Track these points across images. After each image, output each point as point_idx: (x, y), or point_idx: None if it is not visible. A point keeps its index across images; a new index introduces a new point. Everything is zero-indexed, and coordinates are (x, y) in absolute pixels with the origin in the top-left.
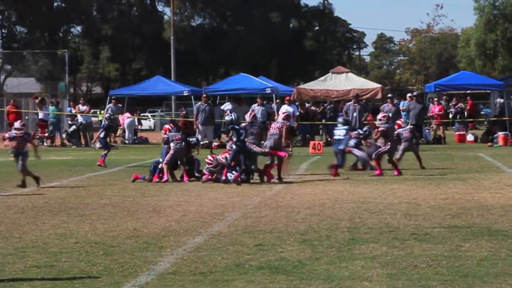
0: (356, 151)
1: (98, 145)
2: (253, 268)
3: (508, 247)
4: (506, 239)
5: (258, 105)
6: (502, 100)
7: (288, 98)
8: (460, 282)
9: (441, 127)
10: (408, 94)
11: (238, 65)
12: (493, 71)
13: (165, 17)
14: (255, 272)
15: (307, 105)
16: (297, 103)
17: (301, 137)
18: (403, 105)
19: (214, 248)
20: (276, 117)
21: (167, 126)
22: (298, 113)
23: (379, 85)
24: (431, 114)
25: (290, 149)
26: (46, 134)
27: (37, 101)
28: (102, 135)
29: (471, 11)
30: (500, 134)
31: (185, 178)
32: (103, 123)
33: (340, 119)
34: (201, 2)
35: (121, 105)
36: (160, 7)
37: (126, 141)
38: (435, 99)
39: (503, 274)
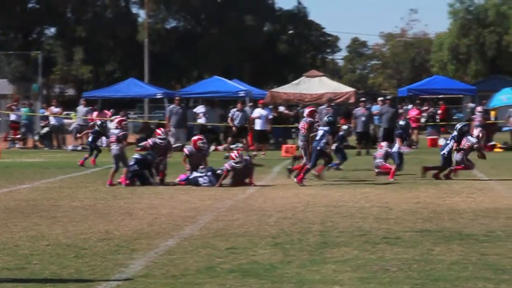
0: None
1: (70, 147)
2: (225, 271)
3: (478, 251)
4: (477, 243)
5: (237, 110)
6: (473, 105)
7: (261, 101)
8: (430, 286)
9: (415, 131)
10: (380, 98)
11: (212, 68)
12: (466, 76)
13: (140, 19)
14: (227, 275)
15: (281, 108)
16: (270, 107)
17: (274, 140)
18: (375, 109)
19: (185, 251)
20: (250, 121)
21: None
22: (271, 117)
23: (352, 89)
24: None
25: (262, 153)
26: (18, 136)
27: (9, 103)
28: (90, 139)
29: (445, 16)
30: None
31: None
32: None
33: (325, 118)
34: (176, 4)
35: (92, 107)
36: (134, 9)
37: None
38: (417, 101)
39: (474, 278)
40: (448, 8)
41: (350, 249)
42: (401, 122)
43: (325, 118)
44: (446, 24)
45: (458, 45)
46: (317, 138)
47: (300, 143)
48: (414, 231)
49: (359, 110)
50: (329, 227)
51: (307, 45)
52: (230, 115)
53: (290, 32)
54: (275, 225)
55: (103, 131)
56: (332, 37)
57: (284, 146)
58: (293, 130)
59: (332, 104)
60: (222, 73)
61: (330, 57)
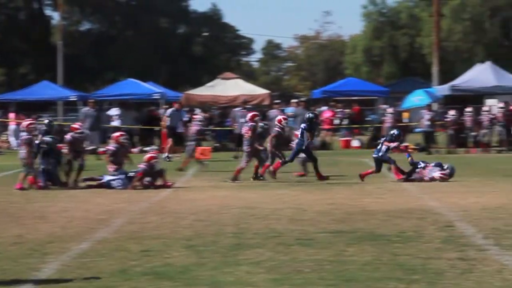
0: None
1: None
2: (138, 274)
3: (390, 251)
4: (389, 244)
5: (176, 110)
6: (386, 106)
7: (176, 103)
8: (343, 287)
9: (329, 133)
10: (293, 100)
11: (126, 70)
12: (379, 78)
13: (53, 21)
14: (140, 278)
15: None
16: (186, 109)
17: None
18: (290, 111)
19: (99, 254)
20: (163, 123)
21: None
22: (186, 119)
23: (267, 91)
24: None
25: (177, 155)
26: None
27: None
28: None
29: (359, 18)
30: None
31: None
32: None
33: (306, 115)
34: (90, 7)
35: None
36: (48, 12)
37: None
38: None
39: (385, 279)
40: (361, 10)
41: (264, 250)
42: (308, 115)
43: (306, 115)
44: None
45: (372, 47)
46: (299, 137)
47: (244, 147)
48: (328, 232)
49: (274, 112)
50: (243, 229)
51: (222, 47)
52: (166, 114)
53: (205, 34)
54: (189, 227)
55: (51, 129)
56: (247, 39)
57: (198, 148)
58: (207, 132)
59: (247, 106)
60: (137, 75)
61: (245, 59)
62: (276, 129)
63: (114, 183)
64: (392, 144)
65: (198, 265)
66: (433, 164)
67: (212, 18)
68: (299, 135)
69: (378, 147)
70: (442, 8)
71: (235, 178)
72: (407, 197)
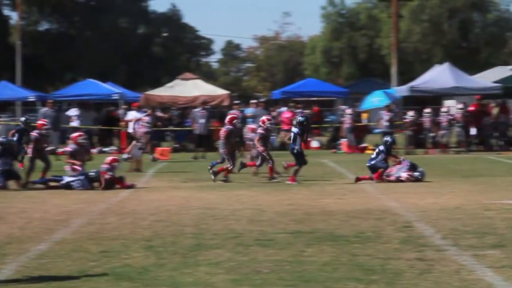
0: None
1: None
2: (97, 275)
3: (349, 252)
4: (348, 244)
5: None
6: (346, 107)
7: (136, 104)
8: (302, 287)
9: (288, 134)
10: (252, 101)
11: (85, 70)
12: (338, 79)
13: (12, 21)
14: (99, 279)
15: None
16: (145, 109)
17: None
18: (249, 112)
19: (57, 255)
20: (123, 124)
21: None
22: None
23: (226, 92)
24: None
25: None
26: None
27: None
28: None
29: (318, 19)
30: (343, 141)
31: None
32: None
33: (298, 118)
34: (49, 7)
35: None
36: (6, 11)
37: None
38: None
39: (344, 279)
40: (320, 11)
41: (223, 251)
42: (299, 118)
43: (298, 118)
44: (319, 27)
45: (331, 48)
46: (291, 140)
47: (220, 150)
48: (287, 232)
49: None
50: (202, 230)
51: (181, 47)
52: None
53: (164, 34)
54: (148, 228)
55: (28, 127)
56: (206, 39)
57: (158, 149)
58: (167, 133)
59: (206, 106)
60: (96, 75)
61: (204, 59)
62: (260, 130)
63: (73, 184)
64: (404, 171)
65: (157, 265)
66: (407, 163)
67: (172, 19)
68: (292, 140)
69: (373, 155)
70: (400, 9)
71: (226, 179)
72: (366, 197)
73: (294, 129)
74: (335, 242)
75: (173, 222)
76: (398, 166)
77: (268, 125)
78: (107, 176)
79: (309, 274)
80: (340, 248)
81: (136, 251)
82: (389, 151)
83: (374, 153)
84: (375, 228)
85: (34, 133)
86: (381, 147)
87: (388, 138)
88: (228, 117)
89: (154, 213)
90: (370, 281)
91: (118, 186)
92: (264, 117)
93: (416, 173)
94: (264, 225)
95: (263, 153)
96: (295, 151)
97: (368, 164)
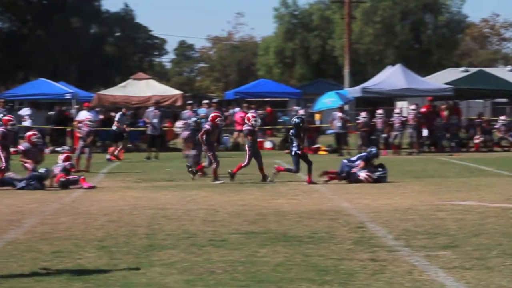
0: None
1: None
2: (50, 275)
3: (302, 252)
4: (301, 245)
5: (122, 114)
6: (299, 108)
7: (87, 104)
8: None
9: (241, 134)
10: (205, 101)
11: (38, 69)
12: (291, 79)
13: None
14: (52, 279)
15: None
16: (97, 109)
17: (101, 143)
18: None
19: (9, 255)
20: (75, 123)
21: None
22: (98, 119)
23: (179, 92)
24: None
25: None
26: None
27: None
28: None
29: (271, 20)
30: None
31: None
32: None
33: (293, 119)
34: (1, 5)
35: None
36: None
37: None
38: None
39: (298, 279)
40: (273, 12)
41: (177, 251)
42: (294, 120)
43: (293, 119)
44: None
45: (284, 49)
46: (290, 143)
47: (203, 147)
48: (240, 233)
49: (186, 113)
50: (155, 230)
51: (134, 47)
52: (116, 119)
53: (117, 34)
54: (101, 228)
55: None
56: (159, 39)
57: (110, 149)
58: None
59: (159, 106)
60: (49, 75)
61: (157, 59)
62: (247, 127)
63: (18, 184)
64: (363, 171)
65: (110, 266)
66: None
67: (125, 19)
68: (290, 141)
69: (353, 158)
70: (353, 11)
71: (215, 179)
72: (319, 198)
73: (291, 131)
74: (288, 242)
75: (126, 222)
76: (360, 165)
77: (253, 122)
78: (62, 179)
79: (263, 275)
80: (294, 249)
81: (89, 252)
82: (369, 159)
83: (355, 157)
84: (328, 229)
85: (1, 128)
86: (364, 154)
87: (373, 149)
88: (211, 115)
89: (107, 213)
90: (323, 282)
91: (78, 185)
92: (249, 114)
93: (377, 173)
94: (218, 225)
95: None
96: (292, 153)
97: (347, 164)
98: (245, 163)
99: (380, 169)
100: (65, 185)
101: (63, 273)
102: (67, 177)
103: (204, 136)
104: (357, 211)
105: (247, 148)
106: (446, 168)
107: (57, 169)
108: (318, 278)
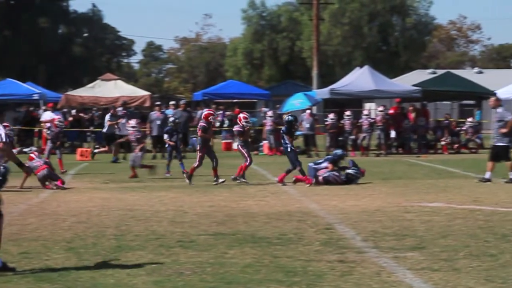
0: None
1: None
2: (17, 277)
3: (271, 253)
4: (270, 246)
5: (112, 115)
6: (267, 109)
7: (51, 104)
8: None
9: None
10: (171, 102)
11: (5, 70)
12: (260, 81)
13: None
14: (19, 280)
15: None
16: (65, 110)
17: (69, 143)
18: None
19: None
20: (43, 125)
21: None
22: (66, 120)
23: (147, 93)
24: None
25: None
26: None
27: None
28: None
29: (239, 21)
30: (265, 143)
31: None
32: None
33: (286, 117)
34: None
35: None
36: None
37: None
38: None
39: (266, 281)
40: (241, 13)
41: (145, 253)
42: (288, 118)
43: (287, 117)
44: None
45: (252, 50)
46: (282, 141)
47: (197, 146)
48: (209, 234)
49: (154, 114)
50: (123, 231)
51: (102, 48)
52: (106, 119)
53: (85, 35)
54: (69, 230)
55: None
56: (128, 40)
57: (79, 150)
58: (88, 133)
59: (127, 107)
60: (16, 75)
61: (125, 60)
62: (238, 128)
63: None
64: (330, 170)
65: (78, 267)
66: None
67: (93, 19)
68: (282, 139)
69: (320, 161)
70: (321, 12)
71: (217, 179)
72: (287, 199)
73: (282, 128)
74: (257, 244)
75: (94, 223)
76: (327, 169)
77: (244, 123)
78: (45, 172)
79: (231, 276)
80: (262, 250)
81: (57, 253)
82: (335, 162)
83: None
84: (296, 230)
85: None
86: (329, 156)
87: (339, 151)
88: (204, 113)
89: (75, 215)
90: (291, 283)
91: (53, 183)
92: (241, 115)
93: (342, 176)
94: (186, 226)
95: (242, 153)
96: (288, 149)
97: (314, 166)
98: (248, 162)
99: (353, 168)
100: (45, 178)
101: (31, 274)
102: (52, 171)
103: (202, 134)
104: (325, 213)
105: (240, 148)
106: (414, 169)
107: (38, 162)
108: (286, 279)
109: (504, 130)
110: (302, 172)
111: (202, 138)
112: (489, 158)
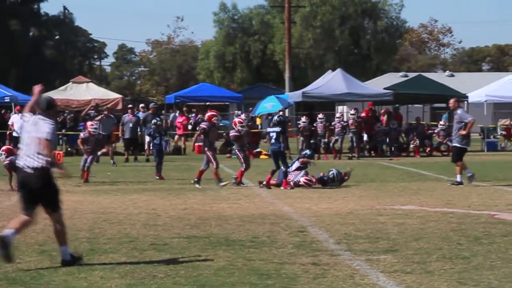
0: None
1: None
2: None
3: (244, 256)
4: (243, 249)
5: (105, 116)
6: (239, 112)
7: (18, 107)
8: None
9: (182, 138)
10: (141, 105)
11: None
12: (232, 84)
13: None
14: None
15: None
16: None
17: None
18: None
19: None
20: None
21: None
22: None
23: (119, 96)
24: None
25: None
26: None
27: None
28: None
29: (211, 24)
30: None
31: None
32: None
33: (275, 118)
34: None
35: None
36: None
37: None
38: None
39: (240, 283)
40: (213, 16)
41: (118, 255)
42: (279, 118)
43: (275, 118)
44: (212, 32)
45: (224, 53)
46: (272, 141)
47: (204, 149)
48: (182, 237)
49: (127, 117)
50: (96, 234)
51: (74, 51)
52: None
53: (57, 37)
54: (42, 232)
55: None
56: (99, 43)
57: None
58: (60, 136)
59: (98, 110)
60: None
61: (97, 63)
62: (234, 133)
63: None
64: (302, 176)
65: (51, 270)
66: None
67: (64, 22)
68: (275, 139)
69: (292, 163)
70: (293, 16)
71: (198, 182)
72: (261, 202)
73: (275, 128)
74: (230, 246)
75: (67, 226)
76: (297, 172)
77: (239, 127)
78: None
79: (205, 279)
80: (235, 253)
81: (30, 256)
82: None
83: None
84: (269, 233)
85: None
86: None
87: (307, 151)
88: (207, 115)
89: (47, 217)
90: (265, 286)
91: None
92: (236, 119)
93: (314, 177)
94: (159, 229)
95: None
96: (282, 149)
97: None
98: (244, 167)
99: (331, 170)
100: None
101: (3, 278)
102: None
103: (201, 136)
104: (298, 215)
105: (238, 153)
106: (386, 172)
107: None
108: (260, 282)
109: (463, 132)
110: (285, 175)
111: (206, 139)
112: (452, 160)
